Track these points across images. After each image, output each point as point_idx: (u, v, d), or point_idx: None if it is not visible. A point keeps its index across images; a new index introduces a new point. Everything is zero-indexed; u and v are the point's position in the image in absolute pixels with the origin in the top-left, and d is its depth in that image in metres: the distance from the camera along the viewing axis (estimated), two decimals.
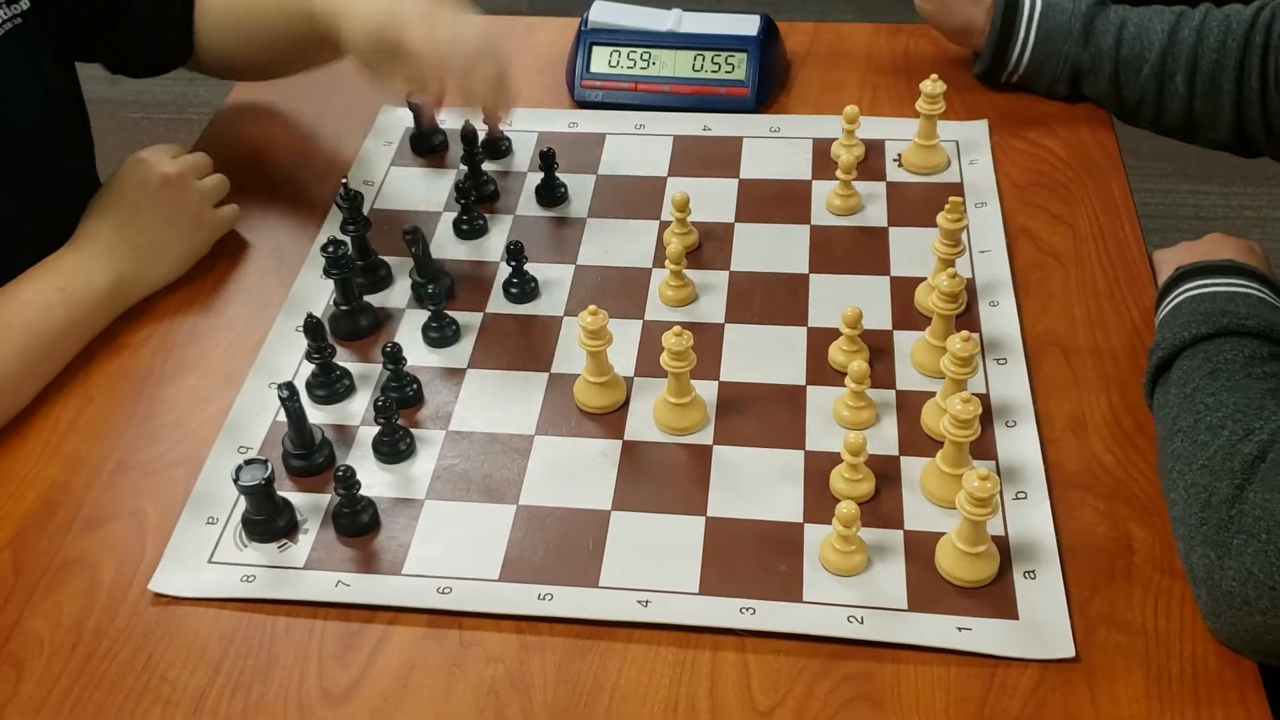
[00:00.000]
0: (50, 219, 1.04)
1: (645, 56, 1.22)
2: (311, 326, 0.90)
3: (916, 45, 1.29)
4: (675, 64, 1.22)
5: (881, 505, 0.85)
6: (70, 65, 1.10)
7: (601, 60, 1.23)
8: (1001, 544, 0.82)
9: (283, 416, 0.89)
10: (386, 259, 1.06)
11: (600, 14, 1.24)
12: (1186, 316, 0.85)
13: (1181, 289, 0.89)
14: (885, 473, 0.87)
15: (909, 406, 0.92)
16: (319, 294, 1.03)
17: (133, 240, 1.01)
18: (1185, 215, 2.33)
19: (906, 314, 0.99)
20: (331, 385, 0.94)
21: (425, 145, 1.18)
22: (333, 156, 1.20)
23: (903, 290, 1.01)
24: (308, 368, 0.94)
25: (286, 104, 1.27)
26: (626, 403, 0.94)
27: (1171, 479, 0.79)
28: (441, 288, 1.00)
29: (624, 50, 1.23)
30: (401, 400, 0.92)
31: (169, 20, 1.11)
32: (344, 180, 1.00)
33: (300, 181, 1.17)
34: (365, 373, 0.97)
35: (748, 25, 1.22)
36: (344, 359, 0.98)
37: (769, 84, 1.22)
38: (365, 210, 1.11)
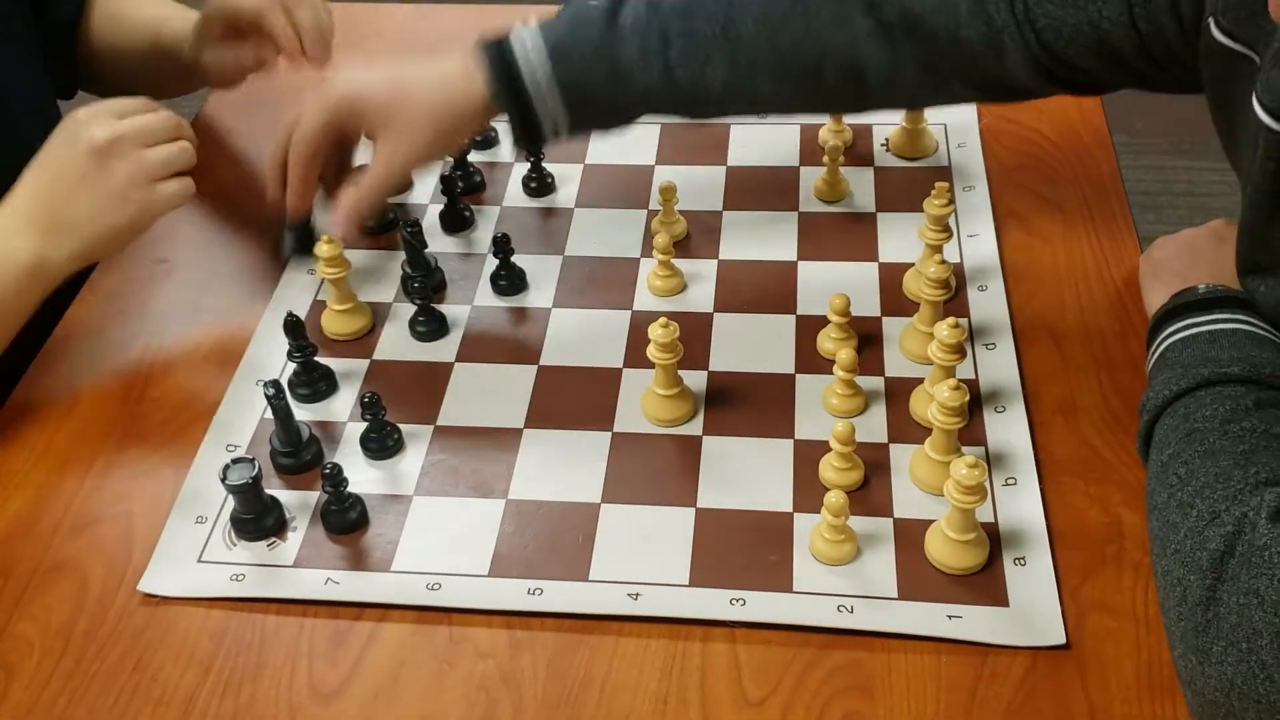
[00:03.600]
0: None
1: None
2: (291, 325, 0.90)
3: None
4: None
5: (871, 493, 0.85)
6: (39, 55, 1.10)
7: None
8: (991, 531, 0.82)
9: (270, 414, 0.89)
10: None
11: None
12: (1170, 369, 0.79)
13: (1165, 332, 0.83)
14: (875, 461, 0.87)
15: (898, 394, 0.92)
16: (306, 289, 1.03)
17: (54, 211, 0.91)
18: (1179, 192, 2.33)
19: (895, 300, 0.99)
20: (313, 384, 0.94)
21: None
22: None
23: (891, 276, 1.01)
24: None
25: (273, 99, 1.26)
26: (616, 394, 0.93)
27: (1153, 558, 0.73)
28: (429, 283, 0.99)
29: None
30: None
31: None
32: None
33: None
34: (350, 369, 0.97)
35: None
36: (328, 355, 0.97)
37: None
38: None
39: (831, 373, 0.90)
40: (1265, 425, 0.72)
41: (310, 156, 0.92)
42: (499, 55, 0.88)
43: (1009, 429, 0.88)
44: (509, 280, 1.02)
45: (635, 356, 0.96)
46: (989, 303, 0.98)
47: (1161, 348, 0.83)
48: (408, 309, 1.00)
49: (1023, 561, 0.80)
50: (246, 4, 1.02)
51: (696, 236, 1.07)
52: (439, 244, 1.07)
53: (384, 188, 0.91)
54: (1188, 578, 0.67)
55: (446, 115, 0.89)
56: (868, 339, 0.96)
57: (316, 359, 0.94)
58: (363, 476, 0.88)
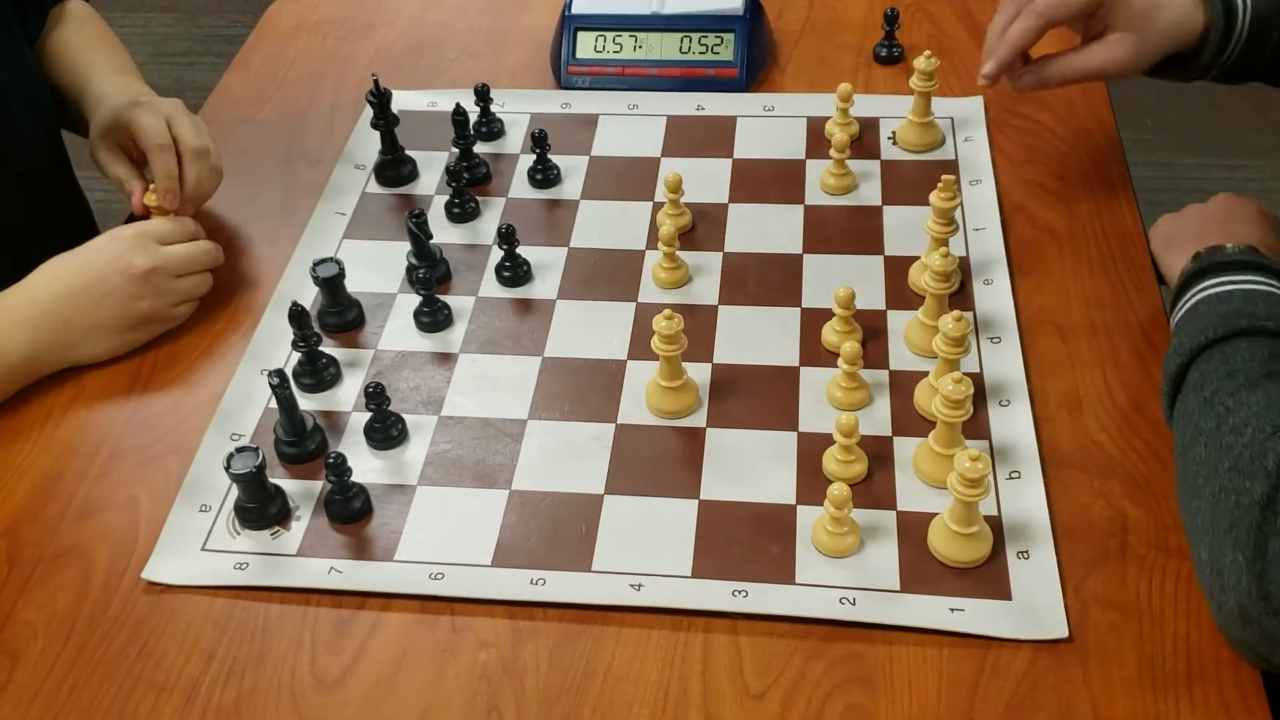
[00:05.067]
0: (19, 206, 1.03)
1: (632, 40, 1.21)
2: (296, 315, 0.90)
3: (912, 19, 1.28)
4: (662, 46, 1.21)
5: (874, 486, 0.85)
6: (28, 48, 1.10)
7: (587, 45, 1.22)
8: (994, 524, 0.81)
9: (274, 403, 0.89)
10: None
11: (582, 2, 1.23)
12: (1204, 319, 0.82)
13: (1197, 288, 0.85)
14: (878, 453, 0.87)
15: (902, 386, 0.92)
16: (310, 284, 1.03)
17: (68, 317, 0.94)
18: (1188, 188, 2.32)
19: (900, 293, 0.99)
20: (318, 373, 0.94)
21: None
22: (325, 140, 1.19)
23: (897, 269, 1.01)
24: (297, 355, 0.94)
25: (279, 89, 1.26)
26: (621, 386, 0.93)
27: (1195, 485, 0.75)
28: (434, 274, 0.99)
29: (609, 35, 1.22)
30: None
31: None
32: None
33: (292, 167, 1.17)
34: (353, 359, 0.97)
35: (732, 1, 1.21)
36: (332, 346, 0.97)
37: (758, 62, 1.22)
38: (361, 190, 1.11)
39: (836, 365, 0.90)
40: None
41: (1061, 17, 0.98)
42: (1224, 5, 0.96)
43: (1013, 422, 0.88)
44: (514, 271, 1.02)
45: (639, 348, 0.96)
46: (994, 296, 0.97)
47: (1194, 300, 0.84)
48: (412, 299, 1.00)
49: (1026, 555, 0.80)
50: (144, 131, 1.01)
51: (702, 228, 1.06)
52: (444, 235, 1.07)
53: (1091, 74, 0.99)
54: (1244, 484, 0.70)
55: (1176, 38, 0.97)
56: (872, 332, 0.96)
57: (321, 349, 0.94)
58: (366, 466, 0.88)
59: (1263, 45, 0.97)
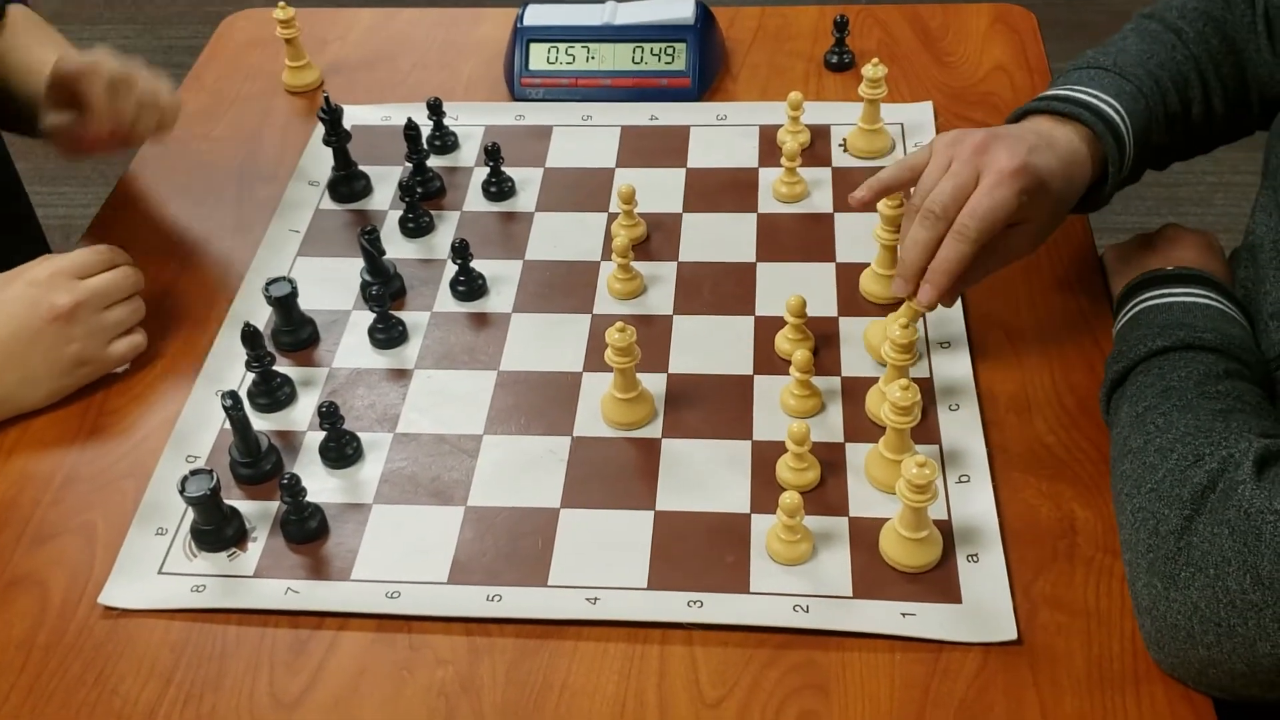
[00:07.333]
0: None
1: (584, 51, 1.22)
2: (249, 335, 0.90)
3: (862, 25, 1.29)
4: (615, 57, 1.22)
5: (827, 493, 0.86)
6: None
7: (540, 57, 1.22)
8: (944, 528, 0.82)
9: (230, 425, 0.89)
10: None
11: (534, 15, 1.24)
12: (1144, 329, 0.83)
13: (1139, 298, 0.87)
14: (831, 460, 0.88)
15: (855, 393, 0.92)
16: (264, 303, 1.03)
17: (1, 370, 0.92)
18: (1146, 182, 2.32)
19: (852, 300, 1.00)
20: (273, 393, 0.94)
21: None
22: (278, 156, 1.19)
23: (848, 276, 1.02)
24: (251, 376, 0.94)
25: (233, 105, 1.26)
26: (576, 398, 0.94)
27: (1120, 502, 0.78)
28: (388, 290, 1.00)
29: (562, 46, 1.22)
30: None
31: None
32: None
33: (246, 184, 1.16)
34: (308, 378, 0.97)
35: (682, 9, 1.22)
36: (287, 365, 0.98)
37: (710, 71, 1.22)
38: (315, 207, 1.11)
39: (788, 373, 0.90)
40: (1237, 392, 0.77)
41: (992, 235, 0.85)
42: (1112, 138, 0.89)
43: (963, 426, 0.89)
44: (468, 285, 1.02)
45: (595, 360, 0.96)
46: None
47: (1135, 310, 0.86)
48: (367, 316, 1.00)
49: (975, 558, 0.81)
50: (69, 68, 0.99)
51: (656, 239, 1.07)
52: (398, 250, 1.07)
53: (1005, 265, 0.91)
54: (1163, 511, 0.72)
55: (1070, 197, 0.90)
56: (825, 338, 0.96)
57: (275, 368, 0.94)
58: (322, 485, 0.89)
59: (1146, 149, 0.93)
